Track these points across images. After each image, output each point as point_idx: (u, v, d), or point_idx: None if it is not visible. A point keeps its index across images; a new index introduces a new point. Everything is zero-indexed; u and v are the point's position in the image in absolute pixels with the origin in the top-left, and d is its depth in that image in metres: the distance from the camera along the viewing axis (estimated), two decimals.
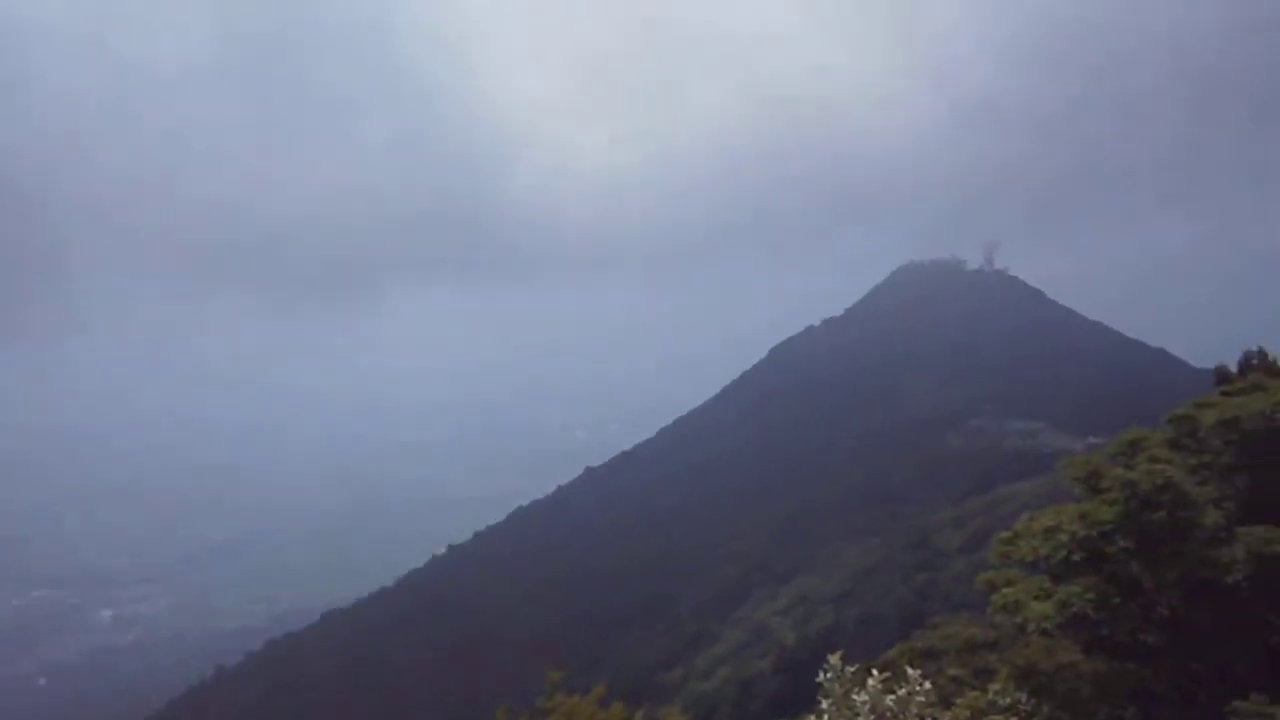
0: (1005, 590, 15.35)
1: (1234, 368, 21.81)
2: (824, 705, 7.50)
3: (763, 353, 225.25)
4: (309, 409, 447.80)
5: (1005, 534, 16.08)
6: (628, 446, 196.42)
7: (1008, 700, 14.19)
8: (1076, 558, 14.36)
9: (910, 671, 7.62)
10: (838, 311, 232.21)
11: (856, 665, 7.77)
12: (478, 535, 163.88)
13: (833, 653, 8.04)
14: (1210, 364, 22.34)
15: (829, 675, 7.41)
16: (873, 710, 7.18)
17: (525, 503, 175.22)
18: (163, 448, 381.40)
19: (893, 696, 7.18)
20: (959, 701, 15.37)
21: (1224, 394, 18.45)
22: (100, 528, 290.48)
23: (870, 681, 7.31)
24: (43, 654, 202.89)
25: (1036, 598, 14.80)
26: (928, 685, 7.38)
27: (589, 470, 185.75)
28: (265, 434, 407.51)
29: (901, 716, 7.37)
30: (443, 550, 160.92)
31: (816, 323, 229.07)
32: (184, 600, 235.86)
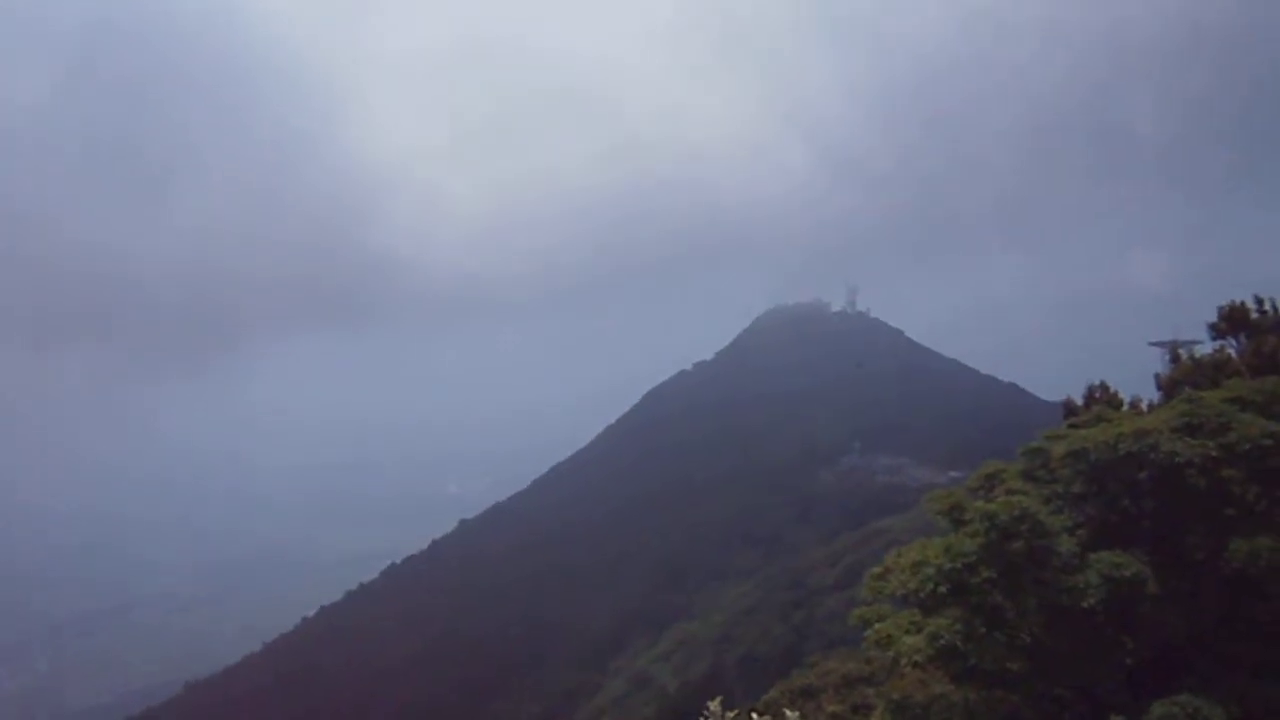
0: (878, 625, 15.59)
1: (1079, 400, 23.08)
2: None
3: (636, 398, 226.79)
4: (166, 473, 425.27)
5: (876, 569, 16.38)
6: (501, 498, 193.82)
7: None
8: (943, 590, 14.71)
9: (788, 714, 7.54)
10: (708, 355, 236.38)
11: (737, 710, 7.65)
12: (349, 595, 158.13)
13: (712, 699, 7.91)
14: (1057, 396, 23.54)
15: None
16: None
17: (398, 560, 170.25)
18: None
19: None
20: None
21: (1071, 426, 19.44)
22: None
23: None
24: None
25: (908, 631, 15.07)
26: None
27: (462, 523, 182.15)
28: (120, 498, 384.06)
29: None
30: (313, 613, 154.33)
31: (689, 366, 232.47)
32: (31, 680, 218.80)
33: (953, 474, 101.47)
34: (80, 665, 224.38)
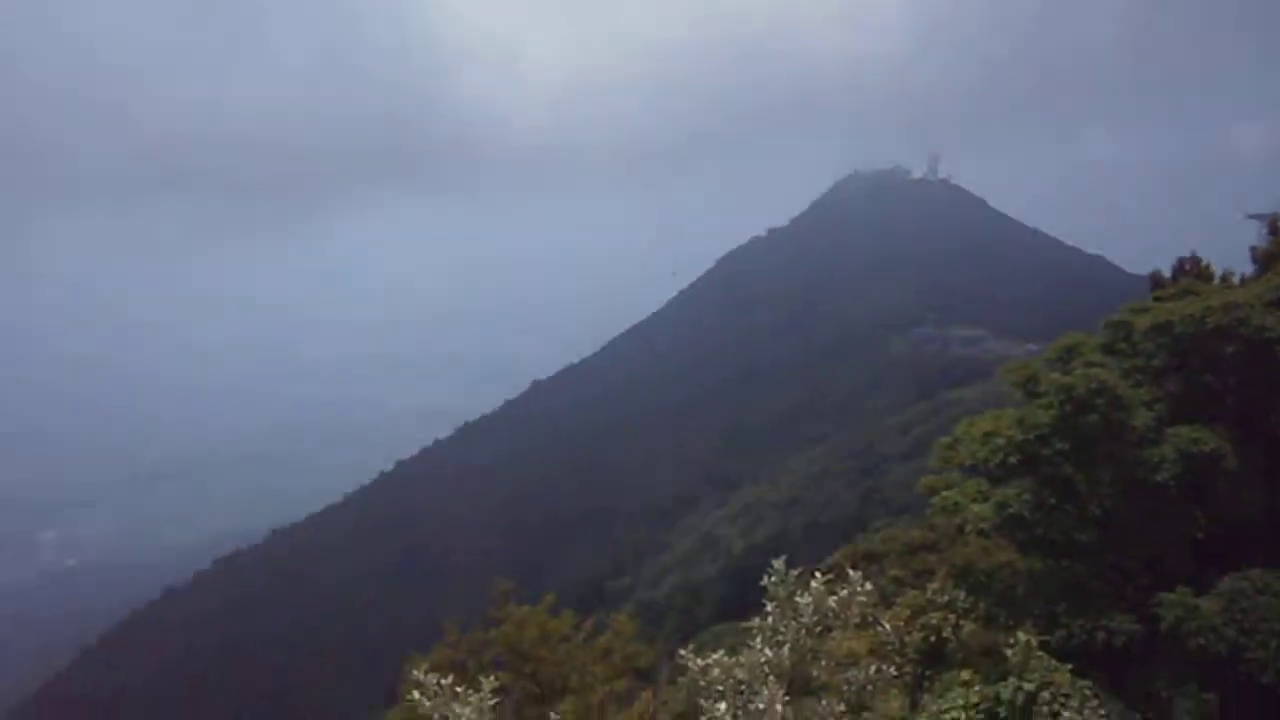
0: (945, 493, 15.64)
1: (1168, 273, 22.16)
2: (769, 608, 7.52)
3: (710, 264, 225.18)
4: (252, 329, 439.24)
5: (946, 439, 16.31)
6: (574, 360, 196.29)
7: (945, 598, 14.54)
8: (1013, 461, 14.63)
9: (851, 573, 7.66)
10: (783, 222, 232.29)
11: (801, 569, 7.81)
12: (425, 451, 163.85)
13: (778, 558, 8.07)
14: (1148, 270, 22.66)
15: (774, 579, 7.42)
16: (816, 611, 7.20)
17: (472, 418, 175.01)
18: (95, 364, 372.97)
19: (835, 598, 7.20)
20: (899, 601, 15.76)
21: (1158, 299, 18.75)
22: (35, 451, 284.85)
23: (813, 584, 7.34)
24: None
25: (975, 500, 15.10)
26: (869, 586, 7.46)
27: (535, 384, 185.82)
28: (204, 353, 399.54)
29: (843, 616, 7.41)
30: (390, 467, 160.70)
31: (762, 233, 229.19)
32: (126, 522, 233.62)
33: (1030, 347, 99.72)
34: (173, 508, 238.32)
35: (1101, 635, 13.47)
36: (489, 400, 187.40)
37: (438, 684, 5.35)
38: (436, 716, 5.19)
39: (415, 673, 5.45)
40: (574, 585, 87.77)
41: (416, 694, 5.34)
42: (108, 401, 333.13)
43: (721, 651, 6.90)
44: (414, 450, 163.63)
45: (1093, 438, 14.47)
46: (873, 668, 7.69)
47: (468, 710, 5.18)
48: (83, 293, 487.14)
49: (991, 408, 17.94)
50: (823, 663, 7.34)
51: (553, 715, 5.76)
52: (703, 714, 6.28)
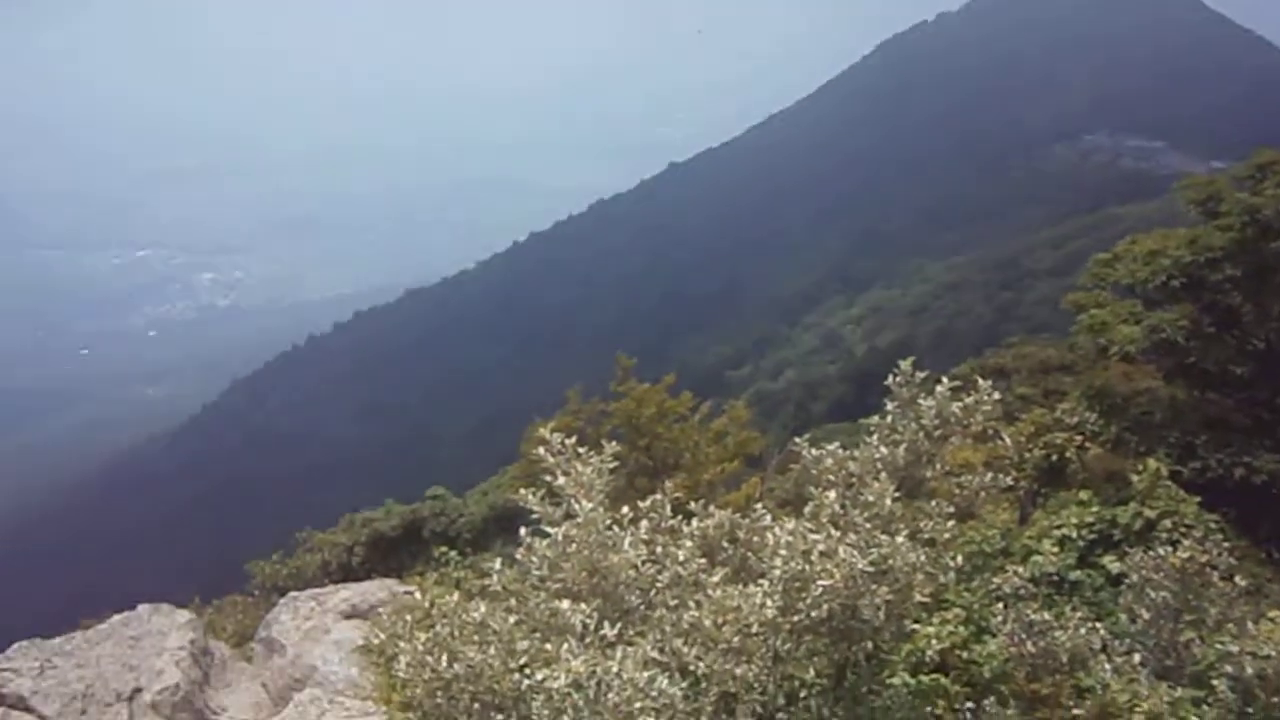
0: (1094, 311, 14.88)
1: None
2: (889, 407, 7.41)
3: (869, 48, 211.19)
4: (394, 93, 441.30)
5: (1103, 255, 15.36)
6: (714, 144, 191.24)
7: (1075, 420, 14.16)
8: (1176, 283, 13.72)
9: (980, 382, 7.43)
10: (953, 6, 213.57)
11: (927, 374, 7.63)
12: (558, 225, 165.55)
13: (905, 360, 7.88)
14: None
15: (898, 379, 7.26)
16: (938, 416, 7.05)
17: (606, 196, 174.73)
18: (249, 120, 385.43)
19: (959, 404, 7.02)
20: (1024, 417, 15.44)
21: None
22: (195, 197, 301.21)
23: (939, 389, 7.16)
24: (150, 310, 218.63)
25: (1125, 321, 14.34)
26: (996, 396, 7.22)
27: (672, 165, 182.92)
28: (353, 112, 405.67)
29: (965, 424, 7.25)
30: (523, 238, 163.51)
31: (930, 17, 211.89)
32: (276, 270, 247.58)
33: (1215, 164, 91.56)
34: (318, 260, 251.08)
35: (1240, 471, 12.95)
36: (623, 179, 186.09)
37: (562, 443, 5.51)
38: (559, 472, 5.37)
39: (541, 431, 5.61)
40: (694, 369, 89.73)
41: (541, 450, 5.51)
42: (247, 154, 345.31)
43: (836, 444, 6.89)
44: (546, 225, 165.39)
45: (1272, 266, 13.37)
46: (988, 476, 7.60)
47: (588, 470, 5.34)
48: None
49: (1160, 226, 16.70)
50: (937, 466, 7.28)
51: (668, 484, 5.92)
52: (811, 501, 6.36)
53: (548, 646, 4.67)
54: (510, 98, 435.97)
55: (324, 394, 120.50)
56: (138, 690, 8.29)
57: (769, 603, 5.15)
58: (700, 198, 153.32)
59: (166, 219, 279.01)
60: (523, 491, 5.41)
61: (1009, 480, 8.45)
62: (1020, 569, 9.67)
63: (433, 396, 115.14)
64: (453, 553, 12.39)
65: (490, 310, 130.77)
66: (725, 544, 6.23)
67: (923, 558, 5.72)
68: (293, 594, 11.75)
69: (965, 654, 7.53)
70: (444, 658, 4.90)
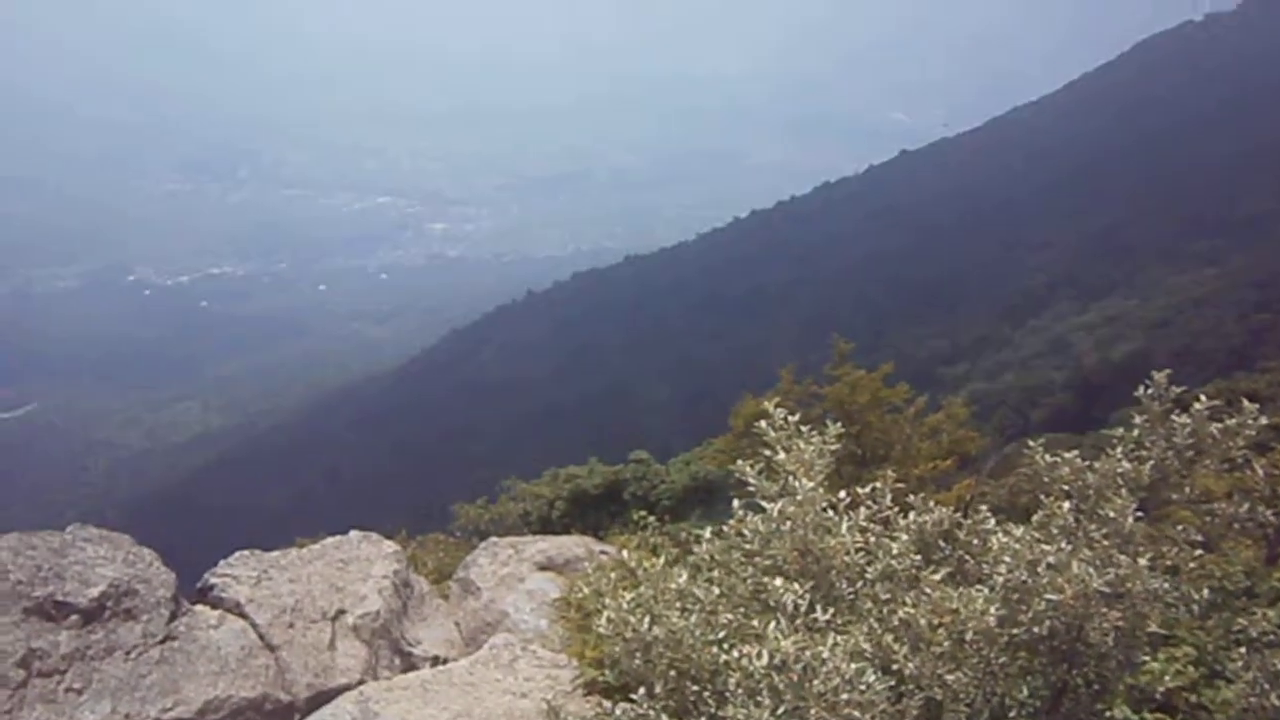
0: None
1: None
2: (1137, 421, 6.84)
3: (1126, 46, 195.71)
4: (624, 71, 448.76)
5: None
6: (951, 134, 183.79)
7: None
8: None
9: (1246, 404, 6.73)
10: (1226, 6, 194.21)
11: (1182, 389, 6.99)
12: (780, 205, 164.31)
13: (1136, 380, 7.25)
14: None
15: (1149, 392, 6.68)
16: (1192, 435, 6.44)
17: (832, 179, 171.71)
18: (489, 71, 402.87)
19: (1218, 426, 6.38)
20: (1278, 447, 13.87)
21: None
22: (433, 149, 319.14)
23: (1196, 406, 6.53)
24: (384, 253, 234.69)
25: None
26: (1263, 420, 6.52)
27: (903, 153, 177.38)
28: (575, 79, 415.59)
29: (1222, 447, 6.60)
30: (745, 214, 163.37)
31: (1198, 17, 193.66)
32: (505, 225, 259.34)
33: None
34: (545, 221, 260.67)
35: None
36: (851, 163, 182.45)
37: (785, 419, 5.39)
38: (779, 447, 5.26)
39: (765, 404, 5.51)
40: (907, 360, 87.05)
41: (763, 423, 5.41)
42: (483, 112, 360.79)
43: (1075, 453, 6.41)
44: (768, 203, 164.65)
45: None
46: (1244, 506, 6.90)
47: (810, 448, 5.20)
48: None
49: None
50: (1186, 490, 6.67)
51: (888, 473, 5.67)
52: (1041, 509, 5.95)
53: (754, 622, 4.59)
54: (743, 79, 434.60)
55: (535, 349, 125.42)
56: (341, 611, 8.69)
57: (990, 610, 4.86)
58: (930, 188, 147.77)
59: (407, 168, 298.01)
60: (740, 463, 5.33)
61: (1269, 515, 7.66)
62: (1269, 612, 8.75)
63: (639, 362, 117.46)
64: (651, 518, 12.53)
65: (705, 283, 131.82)
66: (942, 543, 5.94)
67: (1165, 586, 5.25)
68: (493, 539, 12.19)
69: (1195, 697, 6.90)
70: (645, 620, 4.92)
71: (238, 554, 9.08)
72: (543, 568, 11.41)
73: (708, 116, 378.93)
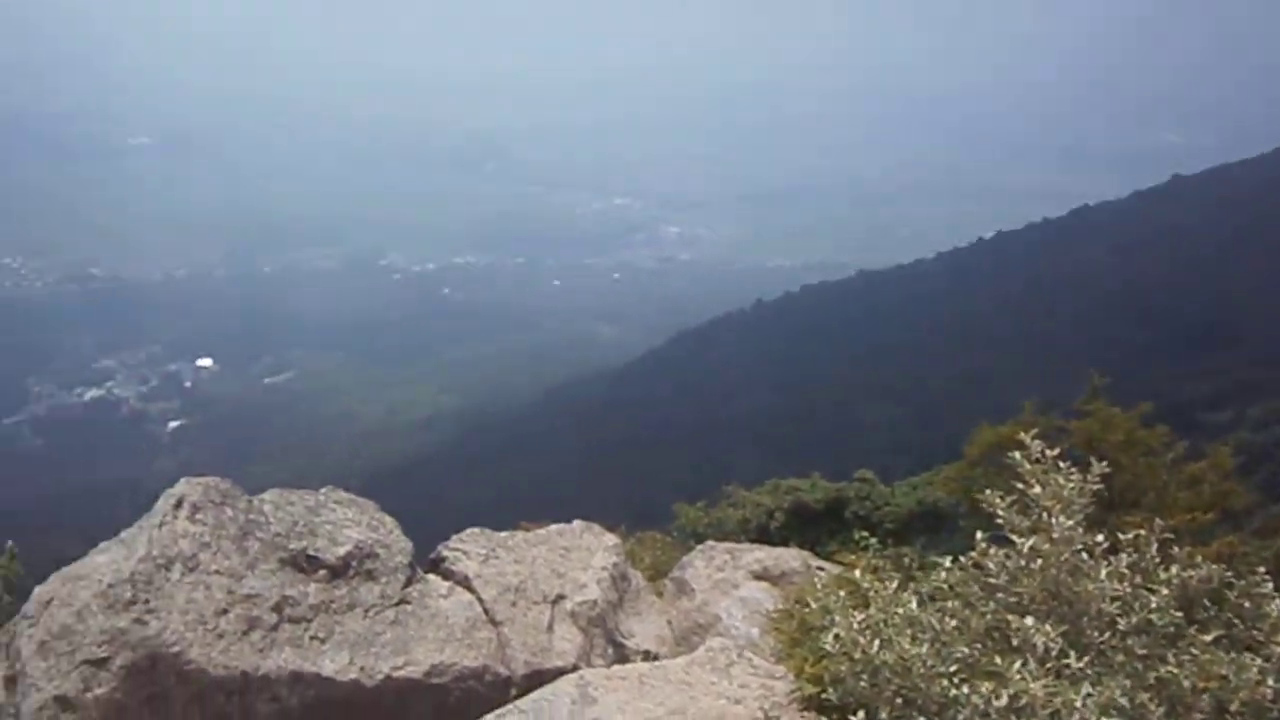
0: None
1: None
2: None
3: None
4: (866, 85, 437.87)
5: None
6: (1232, 159, 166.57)
7: None
8: None
9: None
10: None
11: None
12: (1030, 226, 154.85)
13: None
14: None
15: None
16: None
17: (1091, 202, 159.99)
18: (731, 86, 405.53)
19: None
20: None
21: None
22: (674, 155, 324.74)
23: None
24: (618, 253, 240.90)
25: None
26: None
27: (1175, 178, 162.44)
28: (815, 93, 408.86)
29: None
30: (988, 235, 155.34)
31: None
32: (738, 233, 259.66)
33: None
34: (778, 232, 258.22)
35: None
36: (1114, 186, 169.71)
37: (1042, 452, 5.11)
38: (1034, 481, 5.00)
39: (1020, 434, 5.25)
40: (1166, 402, 79.63)
41: (1016, 455, 5.16)
42: (740, 122, 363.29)
43: None
44: (1018, 224, 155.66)
45: None
46: None
47: (1070, 485, 4.91)
48: None
49: None
50: None
51: (1156, 521, 5.23)
52: None
53: (997, 659, 4.38)
54: (990, 94, 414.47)
55: (760, 357, 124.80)
56: (561, 596, 9.04)
57: (1269, 681, 4.41)
58: (1203, 216, 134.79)
59: (647, 172, 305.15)
60: (989, 493, 5.10)
61: None
62: None
63: (864, 379, 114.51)
64: (873, 540, 12.22)
65: (941, 303, 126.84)
66: (1206, 602, 5.44)
67: None
68: (709, 543, 12.28)
69: None
70: (875, 643, 4.82)
71: (469, 531, 9.63)
72: (758, 577, 11.39)
73: (953, 132, 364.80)
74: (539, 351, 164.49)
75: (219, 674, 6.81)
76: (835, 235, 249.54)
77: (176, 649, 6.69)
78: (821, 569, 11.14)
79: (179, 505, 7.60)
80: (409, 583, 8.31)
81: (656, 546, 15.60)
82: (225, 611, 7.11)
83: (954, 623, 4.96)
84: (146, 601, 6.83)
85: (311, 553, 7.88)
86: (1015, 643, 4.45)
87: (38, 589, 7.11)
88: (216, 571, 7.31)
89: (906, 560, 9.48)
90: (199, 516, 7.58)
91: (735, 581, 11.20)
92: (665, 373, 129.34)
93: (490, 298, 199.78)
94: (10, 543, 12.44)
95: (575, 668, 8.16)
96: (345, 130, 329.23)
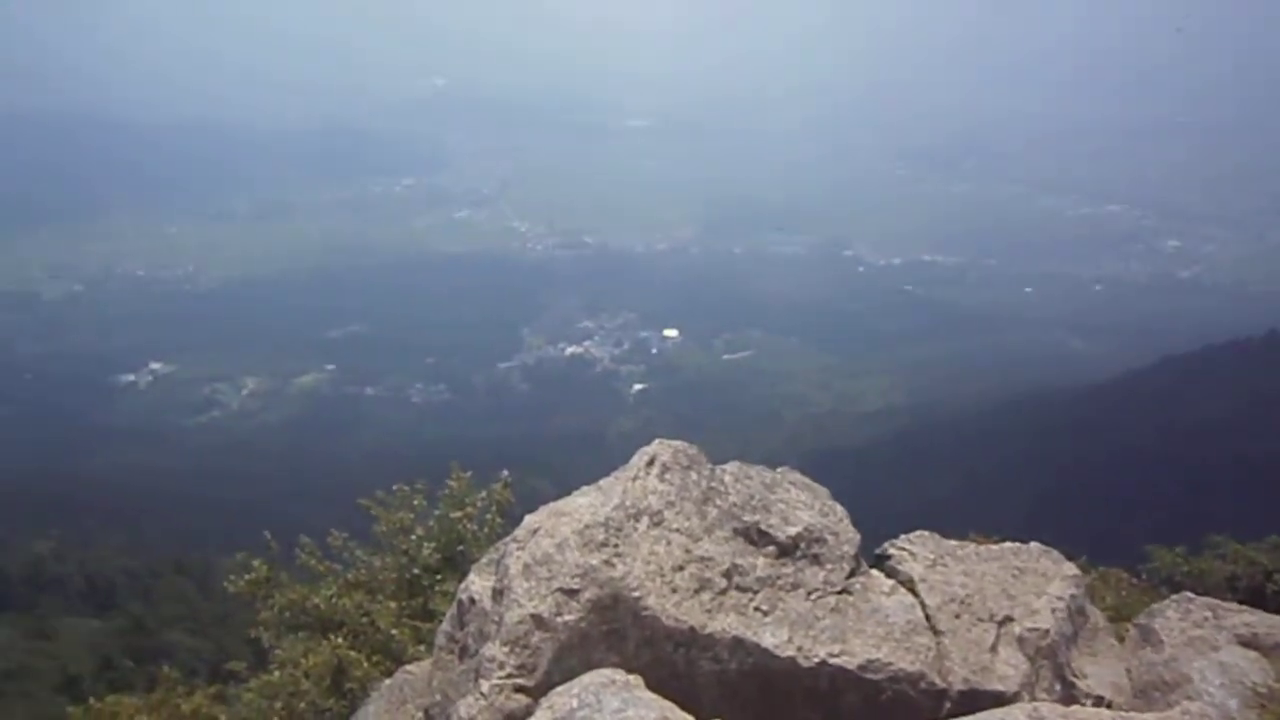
0: None
1: None
2: None
3: None
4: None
5: None
6: None
7: None
8: None
9: None
10: None
11: None
12: None
13: None
14: None
15: None
16: None
17: None
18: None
19: None
20: None
21: None
22: (1188, 162, 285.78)
23: None
24: (1104, 264, 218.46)
25: None
26: None
27: None
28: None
29: None
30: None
31: None
32: (1254, 250, 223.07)
33: None
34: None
35: None
36: None
37: None
38: None
39: None
40: None
41: None
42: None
43: None
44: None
45: None
46: None
47: None
48: None
49: None
50: None
51: None
52: None
53: None
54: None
55: (1264, 394, 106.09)
56: (1009, 619, 8.48)
57: None
58: None
59: (1149, 177, 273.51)
60: None
61: None
62: None
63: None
64: None
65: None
66: None
67: None
68: (1186, 594, 10.91)
69: None
70: None
71: (917, 533, 9.40)
72: (1244, 643, 9.93)
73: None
74: (1000, 358, 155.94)
75: (669, 624, 7.30)
76: None
77: (637, 594, 7.28)
78: None
79: (651, 463, 8.20)
80: (852, 574, 8.33)
81: (1121, 587, 14.40)
82: (681, 568, 7.61)
83: None
84: (616, 546, 7.49)
85: (764, 528, 8.18)
86: None
87: (528, 517, 7.93)
88: (677, 530, 7.82)
89: None
90: (667, 476, 8.13)
91: (1215, 643, 9.83)
92: (1147, 398, 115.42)
93: (954, 298, 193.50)
94: (505, 472, 14.53)
95: (1017, 696, 7.77)
96: (822, 119, 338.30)
